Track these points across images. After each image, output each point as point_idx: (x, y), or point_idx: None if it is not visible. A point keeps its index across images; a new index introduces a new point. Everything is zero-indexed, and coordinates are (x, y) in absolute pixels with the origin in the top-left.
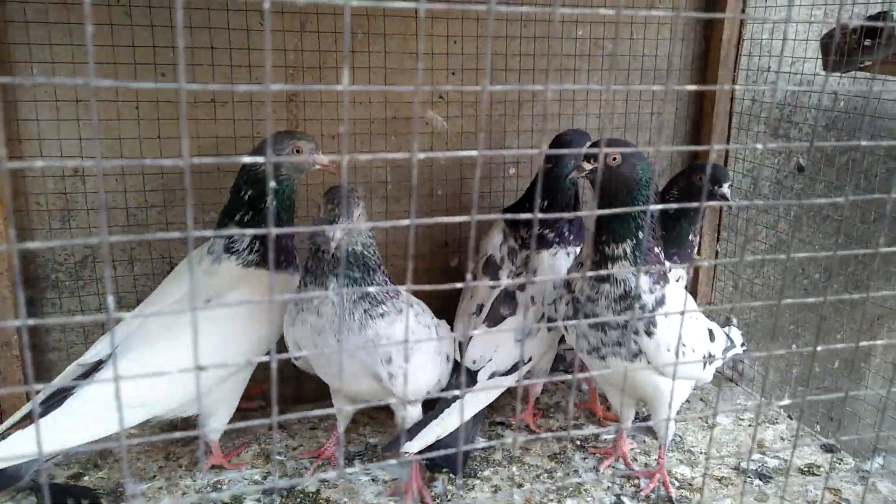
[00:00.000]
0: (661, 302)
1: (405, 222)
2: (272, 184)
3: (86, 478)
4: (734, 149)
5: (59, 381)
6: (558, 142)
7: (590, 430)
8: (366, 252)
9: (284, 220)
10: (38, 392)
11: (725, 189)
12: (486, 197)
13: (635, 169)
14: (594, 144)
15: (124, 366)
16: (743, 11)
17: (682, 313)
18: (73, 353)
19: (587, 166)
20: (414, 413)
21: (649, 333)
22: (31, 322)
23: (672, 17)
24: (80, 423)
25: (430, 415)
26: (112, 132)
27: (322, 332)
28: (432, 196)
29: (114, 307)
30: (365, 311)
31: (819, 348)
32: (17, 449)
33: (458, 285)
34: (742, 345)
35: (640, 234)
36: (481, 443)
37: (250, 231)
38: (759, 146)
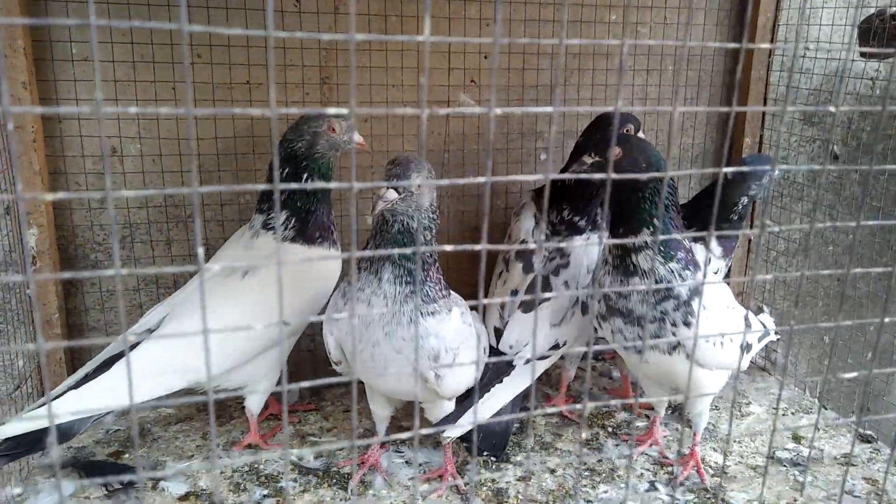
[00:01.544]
0: (696, 292)
1: (481, 179)
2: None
3: (125, 455)
4: (767, 133)
5: (112, 348)
6: (598, 123)
7: (632, 420)
8: (425, 235)
9: (320, 197)
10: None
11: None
12: (517, 182)
13: (637, 161)
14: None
15: (169, 333)
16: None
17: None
18: (111, 332)
19: (587, 160)
20: (449, 406)
21: (687, 324)
22: (124, 272)
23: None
24: (124, 385)
25: (467, 402)
26: (150, 114)
27: (370, 325)
28: (466, 176)
29: (203, 257)
30: (416, 306)
31: (846, 323)
32: (71, 406)
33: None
34: (776, 332)
35: (656, 222)
36: (539, 411)
37: (263, 187)
38: (817, 167)
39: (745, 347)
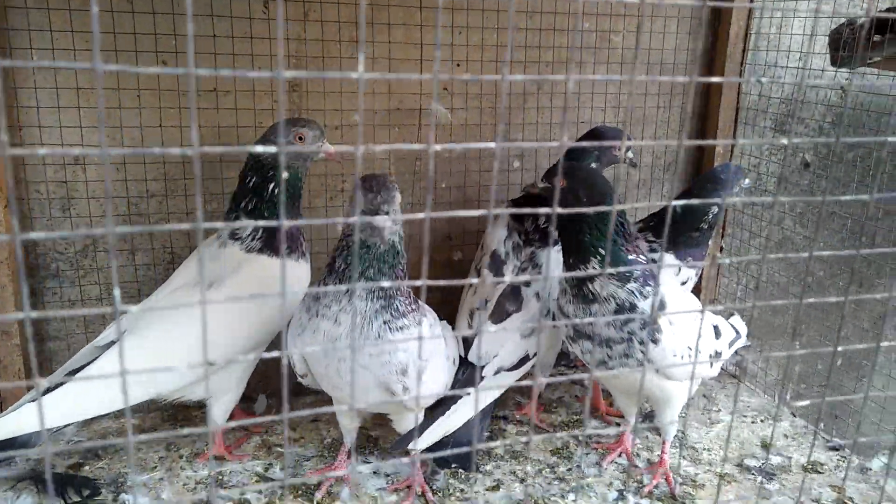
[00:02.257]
0: (661, 307)
1: (420, 215)
2: (284, 174)
3: (86, 468)
4: (741, 144)
5: (73, 362)
6: (592, 136)
7: (602, 429)
8: (398, 249)
9: (289, 208)
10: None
11: (748, 181)
12: (489, 189)
13: (578, 194)
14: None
15: (132, 345)
16: (751, 2)
17: (692, 314)
18: (73, 342)
19: (539, 184)
20: (419, 416)
21: (655, 341)
22: (34, 315)
23: (690, 8)
24: (84, 398)
25: (437, 412)
26: (113, 120)
27: (336, 342)
28: (436, 188)
29: (120, 298)
30: (385, 322)
31: (840, 348)
32: (27, 420)
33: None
34: (747, 335)
35: (602, 252)
36: (493, 441)
37: (262, 223)
38: (785, 141)
39: (715, 356)
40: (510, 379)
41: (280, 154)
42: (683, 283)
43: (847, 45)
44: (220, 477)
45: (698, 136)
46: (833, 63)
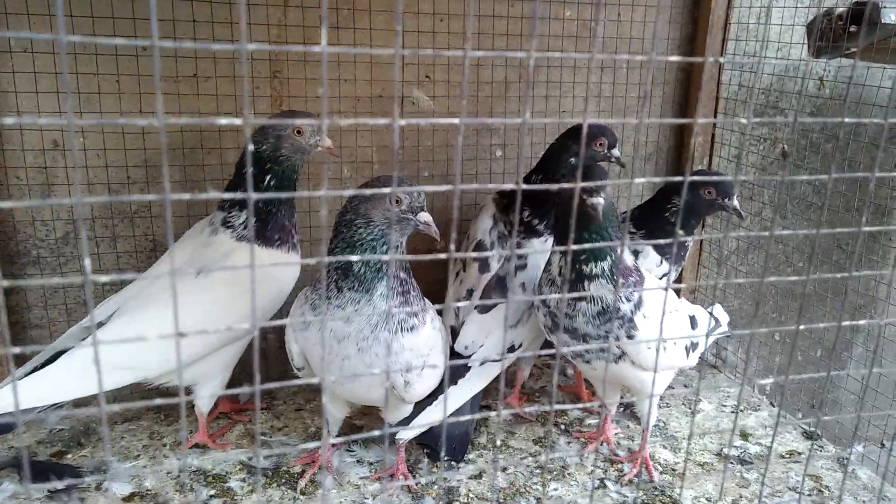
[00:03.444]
0: (638, 305)
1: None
2: (250, 146)
3: (68, 456)
4: (720, 131)
5: (60, 342)
6: (574, 132)
7: (576, 409)
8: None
9: (282, 199)
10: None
11: (736, 202)
12: (473, 178)
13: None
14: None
15: (116, 328)
16: None
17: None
18: (54, 330)
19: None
20: (408, 409)
21: (630, 336)
22: (6, 283)
23: None
24: (65, 379)
25: (424, 402)
26: (93, 106)
27: (343, 340)
28: (418, 177)
29: (90, 270)
30: (399, 322)
31: (802, 327)
32: (7, 400)
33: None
34: (728, 323)
35: (616, 252)
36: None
37: (238, 195)
38: (744, 120)
39: (691, 347)
40: (496, 369)
41: (245, 127)
42: (664, 276)
43: (824, 35)
44: (203, 465)
45: (679, 127)
46: (811, 53)
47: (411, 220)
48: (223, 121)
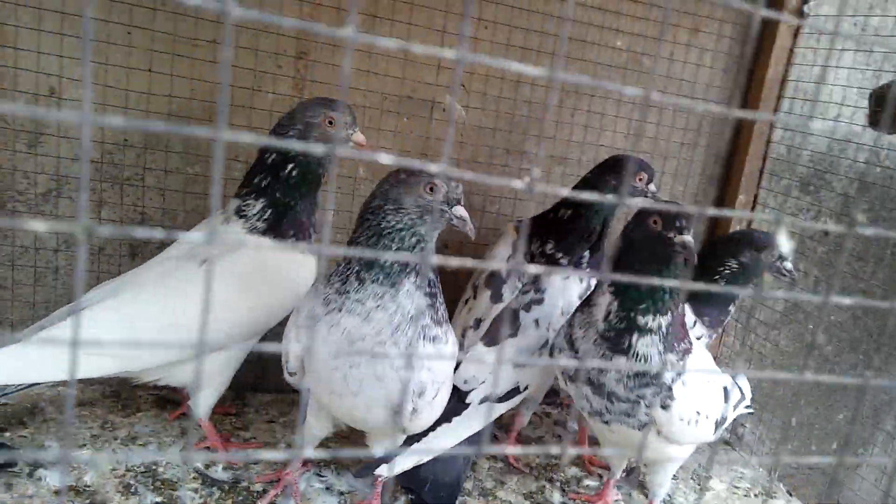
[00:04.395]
0: (680, 372)
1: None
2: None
3: (6, 434)
4: (763, 193)
5: (47, 321)
6: (612, 164)
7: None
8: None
9: (304, 192)
10: None
11: (790, 264)
12: (497, 202)
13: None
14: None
15: (103, 310)
16: (791, 53)
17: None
18: (19, 293)
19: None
20: (399, 439)
21: (665, 407)
22: None
23: (728, 43)
24: (43, 360)
25: (414, 436)
26: (99, 55)
27: (357, 342)
28: None
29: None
30: (423, 327)
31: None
32: None
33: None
34: (751, 397)
35: (677, 309)
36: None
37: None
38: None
39: (721, 420)
40: (496, 410)
41: (216, 145)
42: (698, 339)
43: (891, 105)
44: (154, 467)
45: (721, 180)
46: (871, 124)
47: (446, 213)
48: (200, 131)
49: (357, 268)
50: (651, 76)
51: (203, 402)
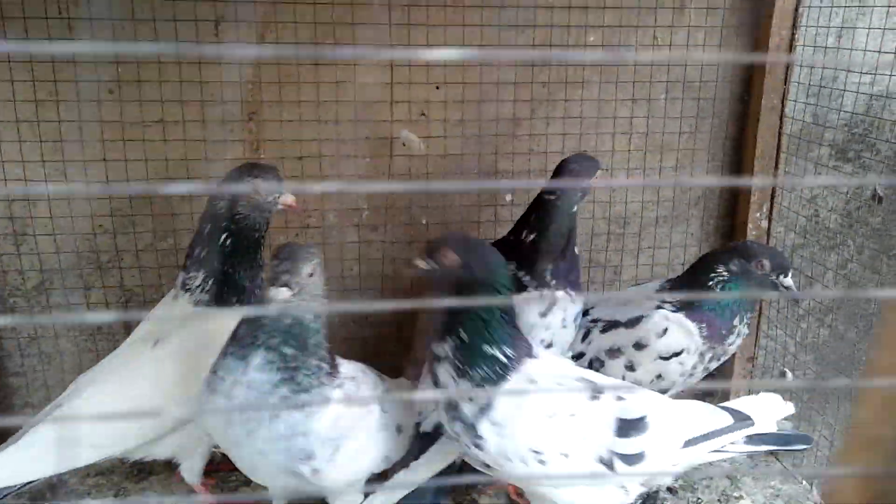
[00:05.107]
0: (485, 409)
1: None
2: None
3: None
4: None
5: (35, 419)
6: (561, 169)
7: None
8: (310, 325)
9: (241, 261)
10: None
11: (790, 280)
12: (477, 226)
13: (474, 274)
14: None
15: (75, 405)
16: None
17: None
18: (32, 378)
19: (422, 265)
20: (355, 498)
21: (479, 447)
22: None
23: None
24: (28, 460)
25: (388, 482)
26: (56, 155)
27: (231, 424)
28: (414, 226)
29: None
30: (283, 398)
31: None
32: None
33: None
34: (785, 418)
35: (464, 336)
36: None
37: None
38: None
39: (624, 457)
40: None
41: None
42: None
43: None
44: None
45: (733, 167)
46: None
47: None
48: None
49: (226, 343)
50: (632, 67)
51: (190, 470)
